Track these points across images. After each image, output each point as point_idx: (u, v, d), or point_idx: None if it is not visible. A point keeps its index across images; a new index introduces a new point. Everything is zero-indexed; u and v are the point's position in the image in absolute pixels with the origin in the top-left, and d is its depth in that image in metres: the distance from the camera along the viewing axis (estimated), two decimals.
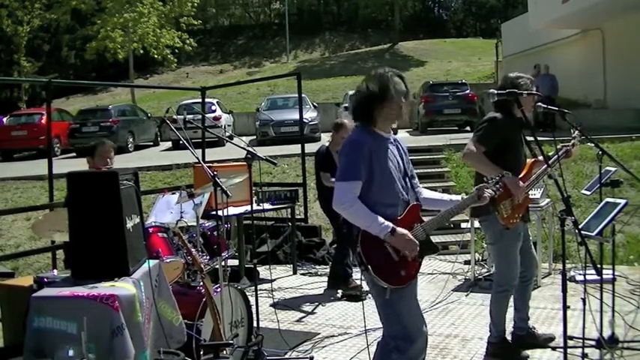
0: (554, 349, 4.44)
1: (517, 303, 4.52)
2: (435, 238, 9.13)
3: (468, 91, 18.81)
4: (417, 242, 3.04)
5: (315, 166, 6.53)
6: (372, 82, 3.09)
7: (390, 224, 2.98)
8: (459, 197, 3.34)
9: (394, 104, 3.08)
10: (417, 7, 57.31)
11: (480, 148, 4.16)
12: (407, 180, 3.20)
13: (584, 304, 3.75)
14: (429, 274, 7.07)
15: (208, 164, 4.79)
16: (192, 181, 7.53)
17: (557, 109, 4.15)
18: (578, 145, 4.54)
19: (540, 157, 4.18)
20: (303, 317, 5.70)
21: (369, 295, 6.41)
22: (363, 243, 3.01)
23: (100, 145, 4.83)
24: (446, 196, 3.43)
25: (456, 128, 18.52)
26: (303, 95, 9.74)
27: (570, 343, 4.02)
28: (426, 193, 3.36)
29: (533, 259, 4.52)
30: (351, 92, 20.37)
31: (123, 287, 3.05)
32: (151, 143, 21.17)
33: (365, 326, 4.04)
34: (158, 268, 3.62)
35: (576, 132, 4.48)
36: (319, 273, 7.27)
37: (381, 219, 2.98)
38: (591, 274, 3.96)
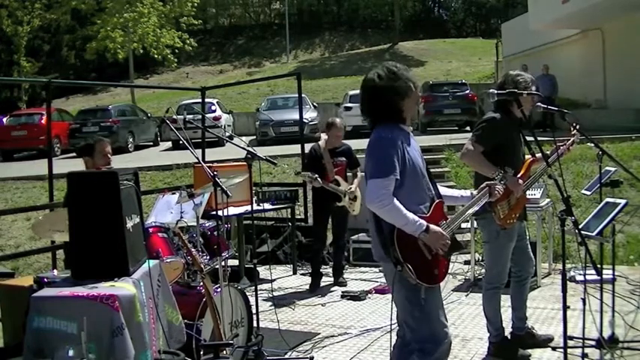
0: (554, 349, 4.44)
1: (514, 303, 4.52)
2: None
3: (467, 91, 18.82)
4: (449, 239, 2.99)
5: (303, 166, 6.68)
6: (392, 79, 3.02)
7: (425, 222, 2.92)
8: (467, 192, 3.35)
9: (416, 98, 3.09)
10: (417, 7, 57.19)
11: (477, 147, 4.16)
12: (428, 175, 3.17)
13: (584, 304, 3.75)
14: None
15: (208, 164, 4.79)
16: (192, 181, 7.53)
17: (556, 109, 4.15)
18: (577, 143, 4.55)
19: (539, 155, 4.18)
20: (303, 317, 5.71)
21: (369, 296, 6.40)
22: (400, 242, 2.93)
23: (99, 142, 4.74)
24: (456, 192, 3.41)
25: (456, 128, 18.51)
26: (303, 95, 9.73)
27: (570, 343, 4.02)
28: (440, 189, 3.31)
29: (530, 258, 4.51)
30: (351, 92, 20.32)
31: (123, 287, 3.05)
32: (151, 143, 21.17)
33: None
34: (159, 268, 3.62)
35: (575, 131, 4.49)
36: None
37: (415, 217, 2.91)
38: (591, 274, 3.96)
